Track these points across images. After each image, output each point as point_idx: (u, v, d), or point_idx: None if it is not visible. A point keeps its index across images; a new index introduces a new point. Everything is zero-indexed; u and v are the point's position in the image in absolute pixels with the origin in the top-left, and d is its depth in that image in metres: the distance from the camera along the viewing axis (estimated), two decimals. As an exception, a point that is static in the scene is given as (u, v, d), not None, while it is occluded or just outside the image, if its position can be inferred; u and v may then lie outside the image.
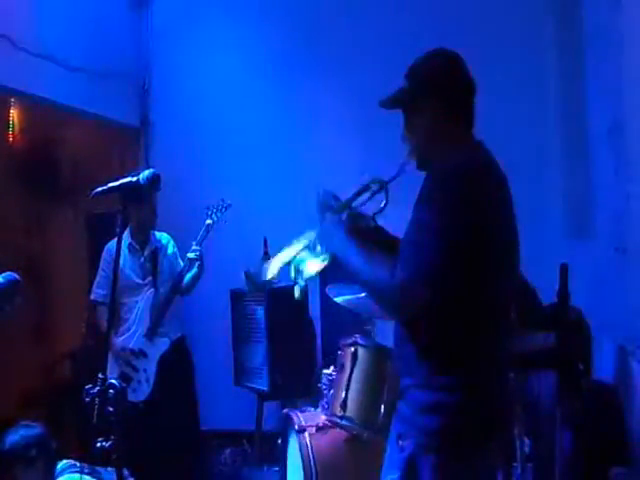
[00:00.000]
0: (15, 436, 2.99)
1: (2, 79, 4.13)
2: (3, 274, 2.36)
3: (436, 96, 2.09)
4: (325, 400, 3.45)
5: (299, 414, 3.51)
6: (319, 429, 3.38)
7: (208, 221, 4.22)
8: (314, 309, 4.63)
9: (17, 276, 2.38)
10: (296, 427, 3.41)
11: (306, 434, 3.36)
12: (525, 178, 4.58)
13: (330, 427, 3.38)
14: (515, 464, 3.33)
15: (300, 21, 5.36)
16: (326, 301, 3.89)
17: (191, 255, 4.16)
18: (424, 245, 1.85)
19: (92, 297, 4.27)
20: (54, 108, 4.74)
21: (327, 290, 3.80)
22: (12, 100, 4.84)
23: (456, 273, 1.86)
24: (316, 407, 3.60)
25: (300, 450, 3.33)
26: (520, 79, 4.98)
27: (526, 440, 3.25)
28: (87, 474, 2.93)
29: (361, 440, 3.27)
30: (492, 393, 1.94)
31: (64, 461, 3.08)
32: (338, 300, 3.70)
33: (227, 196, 4.30)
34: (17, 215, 4.93)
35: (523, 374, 3.24)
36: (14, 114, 4.93)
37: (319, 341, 4.90)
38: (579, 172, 4.58)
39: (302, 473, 3.30)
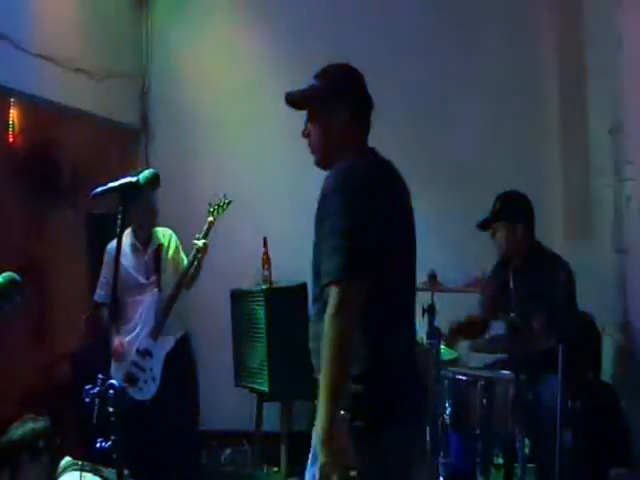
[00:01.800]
0: (23, 428, 3.01)
1: (2, 79, 4.12)
2: (3, 274, 2.36)
3: (346, 100, 2.20)
4: None
5: None
6: None
7: (210, 218, 4.20)
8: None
9: (17, 276, 2.38)
10: None
11: None
12: (525, 178, 4.60)
13: None
14: (515, 465, 3.33)
15: (299, 22, 5.36)
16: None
17: (199, 244, 4.12)
18: (340, 247, 1.96)
19: (94, 298, 4.28)
20: (54, 108, 4.74)
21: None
22: (12, 100, 4.83)
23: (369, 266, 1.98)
24: None
25: None
26: (520, 79, 4.99)
27: (526, 441, 3.25)
28: (88, 472, 2.94)
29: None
30: (388, 380, 2.04)
31: (66, 458, 3.09)
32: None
33: (227, 196, 4.29)
34: (17, 215, 4.92)
35: (526, 375, 3.25)
36: (14, 114, 4.92)
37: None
38: (579, 172, 4.58)
39: None
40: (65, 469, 3.02)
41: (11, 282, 2.35)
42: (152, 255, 4.24)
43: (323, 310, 1.98)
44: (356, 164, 2.12)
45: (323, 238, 2.03)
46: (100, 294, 4.23)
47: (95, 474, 2.96)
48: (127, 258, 4.16)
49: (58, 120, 4.99)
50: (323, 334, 1.95)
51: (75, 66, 4.73)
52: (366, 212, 2.01)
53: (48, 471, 3.00)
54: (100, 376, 1.97)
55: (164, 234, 4.33)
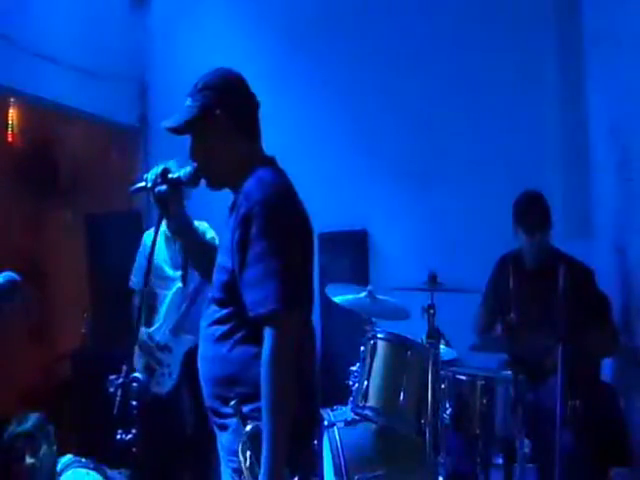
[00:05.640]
0: (23, 424, 3.01)
1: (2, 79, 4.12)
2: (3, 274, 2.36)
3: (226, 111, 2.07)
4: (352, 395, 3.49)
5: (329, 412, 3.58)
6: (348, 423, 3.46)
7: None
8: (314, 309, 4.61)
9: (17, 276, 2.38)
10: (325, 423, 3.46)
11: (335, 429, 3.42)
12: (525, 178, 4.59)
13: (359, 421, 3.44)
14: (515, 465, 3.32)
15: (299, 22, 5.36)
16: (326, 301, 3.89)
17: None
18: (276, 271, 1.90)
19: (129, 284, 4.26)
20: (54, 108, 4.73)
21: (327, 290, 3.80)
22: (12, 100, 4.83)
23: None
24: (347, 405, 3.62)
25: (329, 444, 3.38)
26: (520, 79, 4.98)
27: (526, 441, 3.25)
28: (92, 469, 2.95)
29: (389, 432, 3.39)
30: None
31: (68, 456, 3.09)
32: (338, 300, 3.69)
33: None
34: (17, 215, 4.91)
35: (526, 375, 3.24)
36: (14, 114, 4.91)
37: (319, 341, 4.89)
38: (579, 172, 4.58)
39: (332, 467, 3.34)
40: (67, 466, 3.03)
41: (11, 282, 2.35)
42: (181, 247, 4.15)
43: (232, 333, 1.96)
44: (274, 179, 2.05)
45: (249, 262, 1.93)
46: (131, 279, 4.23)
47: (98, 472, 2.96)
48: (159, 248, 4.08)
49: (58, 120, 4.99)
50: (231, 359, 1.96)
51: (74, 66, 4.73)
52: (297, 233, 1.99)
53: (51, 465, 3.01)
54: (124, 367, 1.94)
55: (199, 226, 4.21)
